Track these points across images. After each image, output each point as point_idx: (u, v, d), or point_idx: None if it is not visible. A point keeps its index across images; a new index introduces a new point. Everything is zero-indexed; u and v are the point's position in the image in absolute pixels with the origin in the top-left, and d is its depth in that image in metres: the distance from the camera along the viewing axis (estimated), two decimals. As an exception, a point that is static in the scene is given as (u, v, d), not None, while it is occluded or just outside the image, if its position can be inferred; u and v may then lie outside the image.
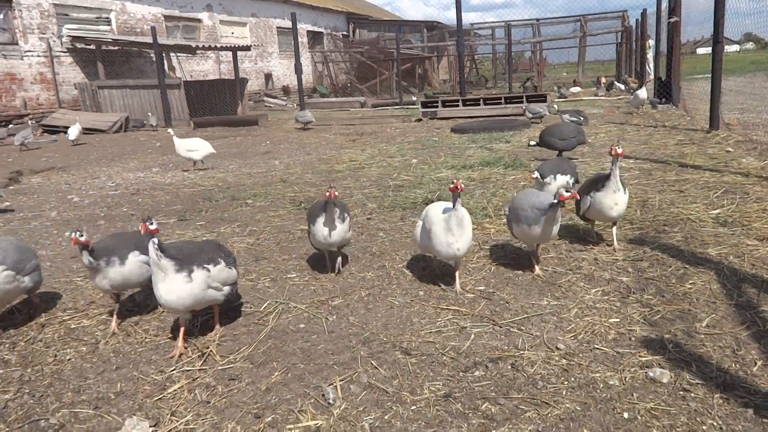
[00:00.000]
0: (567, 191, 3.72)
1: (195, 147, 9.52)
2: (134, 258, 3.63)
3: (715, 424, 2.38)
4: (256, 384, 2.94)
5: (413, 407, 2.65)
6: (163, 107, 18.70)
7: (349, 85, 35.40)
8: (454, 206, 3.68)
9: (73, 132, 14.38)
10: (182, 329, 3.35)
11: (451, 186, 3.57)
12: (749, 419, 2.40)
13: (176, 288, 3.13)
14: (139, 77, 21.88)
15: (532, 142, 8.61)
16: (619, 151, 4.22)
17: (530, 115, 13.59)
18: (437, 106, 16.73)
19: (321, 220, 4.02)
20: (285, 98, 30.14)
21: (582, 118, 10.58)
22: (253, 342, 3.40)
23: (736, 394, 2.57)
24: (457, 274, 3.98)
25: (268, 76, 31.73)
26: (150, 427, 2.60)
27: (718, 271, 3.95)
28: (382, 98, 29.42)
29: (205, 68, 27.07)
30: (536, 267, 4.18)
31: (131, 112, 18.88)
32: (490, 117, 15.13)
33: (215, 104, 20.95)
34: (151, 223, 3.04)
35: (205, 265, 3.25)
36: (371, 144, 12.00)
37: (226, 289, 3.43)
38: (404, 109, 21.65)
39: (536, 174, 5.30)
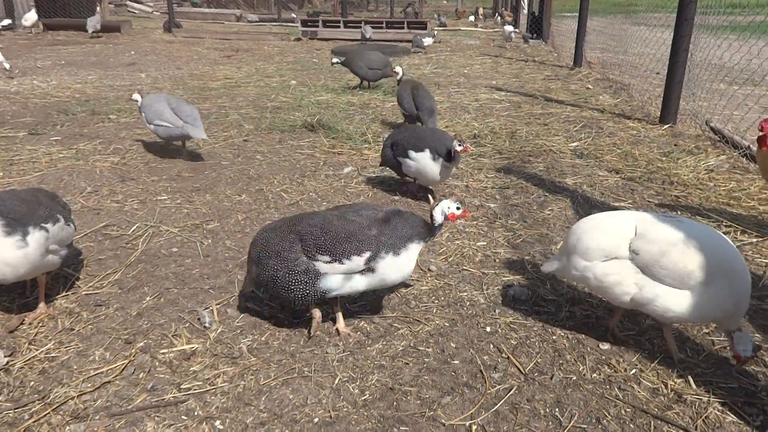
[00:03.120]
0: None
1: None
2: None
3: (562, 333, 2.68)
4: (126, 309, 2.82)
5: (290, 329, 2.70)
6: (4, 2, 16.30)
7: (223, -5, 32.93)
8: None
9: None
10: (42, 289, 2.81)
11: None
12: (590, 328, 2.73)
13: (6, 255, 2.46)
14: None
15: (335, 60, 8.29)
16: None
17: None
18: (318, 26, 16.18)
19: None
20: (151, 4, 27.48)
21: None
22: (122, 266, 3.23)
23: (581, 307, 2.90)
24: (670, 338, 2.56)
25: (131, -23, 28.58)
26: (5, 357, 2.42)
27: (573, 198, 4.33)
28: (259, 12, 27.82)
29: (54, -38, 23.78)
30: None
31: (-37, 6, 16.26)
32: (372, 41, 14.94)
33: (69, 5, 18.56)
34: None
35: (43, 224, 2.59)
36: (248, 62, 11.42)
37: (64, 251, 2.79)
38: (283, 26, 20.67)
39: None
